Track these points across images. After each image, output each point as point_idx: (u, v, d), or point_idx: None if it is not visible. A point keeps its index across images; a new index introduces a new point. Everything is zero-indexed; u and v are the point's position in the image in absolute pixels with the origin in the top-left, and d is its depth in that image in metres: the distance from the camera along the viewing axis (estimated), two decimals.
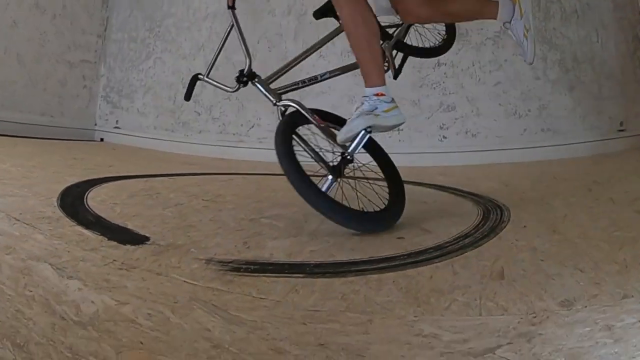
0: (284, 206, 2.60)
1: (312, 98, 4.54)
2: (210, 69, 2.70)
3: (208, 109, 5.01)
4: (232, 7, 2.73)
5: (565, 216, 2.27)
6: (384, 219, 2.20)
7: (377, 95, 2.33)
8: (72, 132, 5.12)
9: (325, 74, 2.83)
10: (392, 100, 2.35)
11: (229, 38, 2.73)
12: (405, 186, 2.38)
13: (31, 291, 1.40)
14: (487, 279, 1.53)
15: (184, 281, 1.57)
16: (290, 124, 2.42)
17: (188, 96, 2.74)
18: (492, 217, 2.24)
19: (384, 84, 2.37)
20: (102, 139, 5.44)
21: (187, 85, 2.70)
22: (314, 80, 2.81)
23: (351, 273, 1.63)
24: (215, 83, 2.72)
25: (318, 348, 1.16)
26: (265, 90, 2.66)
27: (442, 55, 4.11)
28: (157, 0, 5.33)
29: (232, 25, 2.72)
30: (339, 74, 2.83)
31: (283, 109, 2.59)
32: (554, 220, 2.19)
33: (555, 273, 1.52)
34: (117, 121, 5.45)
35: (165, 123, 5.23)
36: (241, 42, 2.69)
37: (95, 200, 2.55)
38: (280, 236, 2.12)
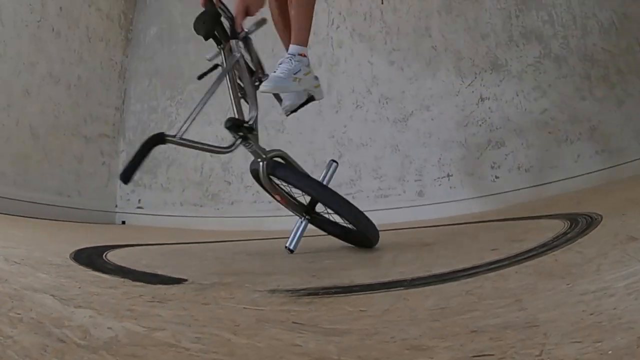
0: (347, 251, 2.42)
1: (353, 152, 4.35)
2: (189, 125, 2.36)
3: (239, 177, 4.80)
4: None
5: None
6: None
7: (301, 55, 2.38)
8: (91, 215, 4.84)
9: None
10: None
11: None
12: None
13: (19, 314, 1.14)
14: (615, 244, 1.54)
15: (244, 307, 1.31)
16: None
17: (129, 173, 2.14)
18: (580, 222, 2.14)
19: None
20: (123, 222, 5.14)
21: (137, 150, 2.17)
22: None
23: (461, 278, 1.47)
24: (195, 144, 2.41)
25: (472, 335, 0.97)
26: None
27: (484, 89, 3.97)
28: (177, 67, 5.28)
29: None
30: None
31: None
32: None
33: None
34: (139, 200, 5.19)
35: (193, 197, 4.99)
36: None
37: (117, 256, 2.20)
38: (353, 267, 1.95)
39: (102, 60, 5.23)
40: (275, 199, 2.51)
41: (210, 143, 2.41)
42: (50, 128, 4.60)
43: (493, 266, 1.57)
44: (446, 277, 1.51)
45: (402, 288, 1.42)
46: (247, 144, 2.38)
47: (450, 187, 4.07)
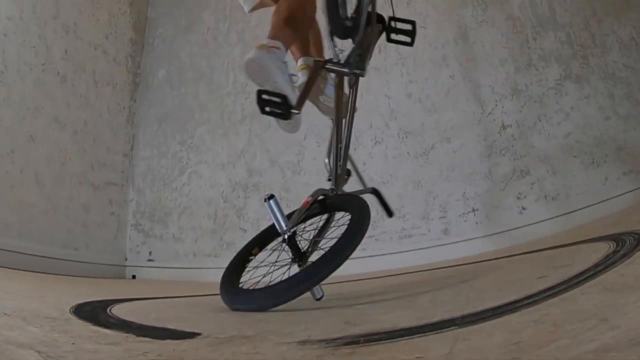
0: (378, 293, 2.34)
1: None
2: None
3: (255, 224, 4.62)
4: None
5: None
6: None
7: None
8: (99, 269, 4.66)
9: None
10: None
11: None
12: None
13: None
14: None
15: None
16: None
17: None
18: (628, 240, 2.03)
19: None
20: (134, 276, 4.95)
21: None
22: None
23: (520, 309, 1.32)
24: None
25: None
26: None
27: (506, 116, 3.86)
28: (187, 110, 5.23)
29: None
30: None
31: None
32: None
33: None
34: (150, 253, 5.04)
35: (207, 247, 4.83)
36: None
37: (123, 310, 2.02)
38: (390, 310, 1.80)
39: (109, 105, 5.17)
40: None
41: None
42: (56, 176, 4.49)
43: (550, 292, 1.43)
44: (502, 310, 1.36)
45: (455, 327, 1.26)
46: None
47: (477, 223, 3.93)
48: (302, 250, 2.36)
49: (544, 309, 1.26)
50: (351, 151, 4.32)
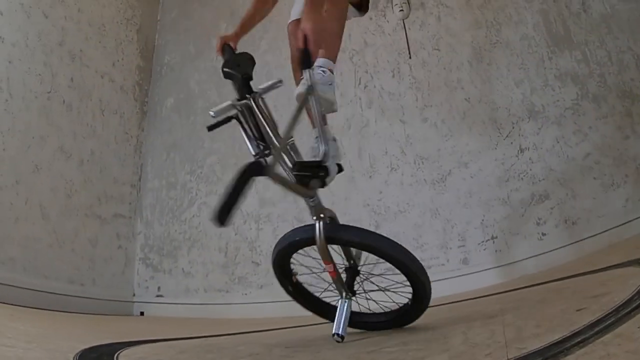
0: (403, 334, 2.18)
1: (391, 221, 4.25)
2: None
3: (268, 257, 4.50)
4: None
5: None
6: None
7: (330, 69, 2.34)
8: (107, 305, 4.56)
9: None
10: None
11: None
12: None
13: None
14: None
15: None
16: None
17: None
18: None
19: None
20: (142, 313, 4.84)
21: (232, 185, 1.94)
22: None
23: (573, 350, 1.24)
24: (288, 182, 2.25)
25: None
26: None
27: (524, 139, 3.93)
28: (197, 139, 5.18)
29: None
30: None
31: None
32: None
33: None
34: (159, 288, 4.93)
35: (218, 282, 4.71)
36: None
37: (132, 357, 1.93)
38: (424, 354, 1.67)
39: (116, 134, 5.14)
40: (326, 269, 2.27)
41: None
42: (62, 208, 4.43)
43: (599, 328, 1.35)
44: (552, 353, 1.26)
45: None
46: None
47: (496, 251, 3.83)
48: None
49: (600, 350, 1.17)
50: (366, 180, 4.29)
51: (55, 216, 4.34)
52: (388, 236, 2.30)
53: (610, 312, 1.45)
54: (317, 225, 2.16)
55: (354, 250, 2.43)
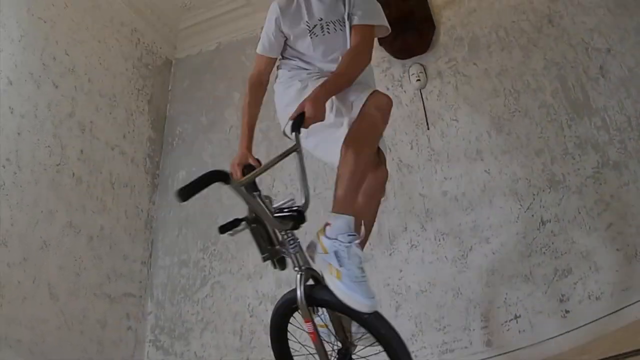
0: None
1: (412, 302, 4.28)
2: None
3: None
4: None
5: None
6: None
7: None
8: None
9: None
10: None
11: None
12: None
13: None
14: None
15: None
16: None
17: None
18: None
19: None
20: None
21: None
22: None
23: None
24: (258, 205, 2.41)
25: None
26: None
27: (544, 211, 4.08)
28: (210, 214, 5.27)
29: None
30: None
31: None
32: None
33: None
34: None
35: None
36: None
37: None
38: None
39: (127, 209, 5.26)
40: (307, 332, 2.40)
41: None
42: (71, 287, 4.49)
43: None
44: None
45: None
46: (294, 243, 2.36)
47: (519, 331, 3.88)
48: None
49: None
50: (385, 258, 4.40)
51: (63, 296, 4.39)
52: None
53: None
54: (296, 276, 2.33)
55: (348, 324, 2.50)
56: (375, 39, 3.18)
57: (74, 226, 4.64)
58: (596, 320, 3.67)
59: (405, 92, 4.94)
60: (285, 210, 2.37)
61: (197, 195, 5.32)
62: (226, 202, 5.06)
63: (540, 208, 4.10)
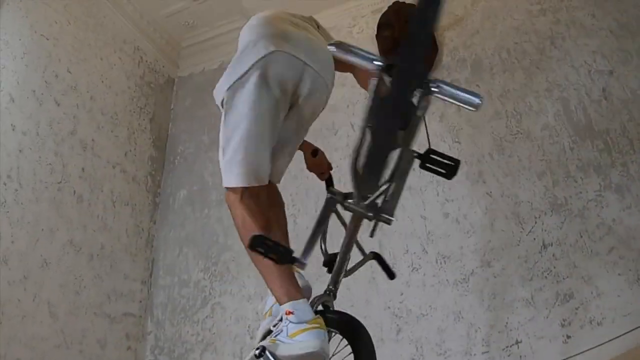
0: None
1: (413, 325, 4.30)
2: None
3: None
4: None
5: None
6: None
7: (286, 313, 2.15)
8: None
9: None
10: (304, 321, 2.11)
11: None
12: None
13: None
14: None
15: None
16: None
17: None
18: None
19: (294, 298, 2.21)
20: None
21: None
22: None
23: None
24: None
25: None
26: None
27: (546, 234, 4.10)
28: (211, 234, 5.33)
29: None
30: None
31: None
32: None
33: None
34: None
35: None
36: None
37: None
38: None
39: (127, 227, 5.31)
40: None
41: None
42: (71, 306, 4.53)
43: None
44: None
45: None
46: None
47: (521, 357, 3.88)
48: None
49: None
50: (386, 281, 4.32)
51: (63, 314, 4.44)
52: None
53: None
54: None
55: None
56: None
57: (74, 244, 4.70)
58: (598, 345, 3.68)
59: None
60: None
61: (197, 215, 5.36)
62: (226, 222, 5.09)
63: (542, 231, 4.13)
